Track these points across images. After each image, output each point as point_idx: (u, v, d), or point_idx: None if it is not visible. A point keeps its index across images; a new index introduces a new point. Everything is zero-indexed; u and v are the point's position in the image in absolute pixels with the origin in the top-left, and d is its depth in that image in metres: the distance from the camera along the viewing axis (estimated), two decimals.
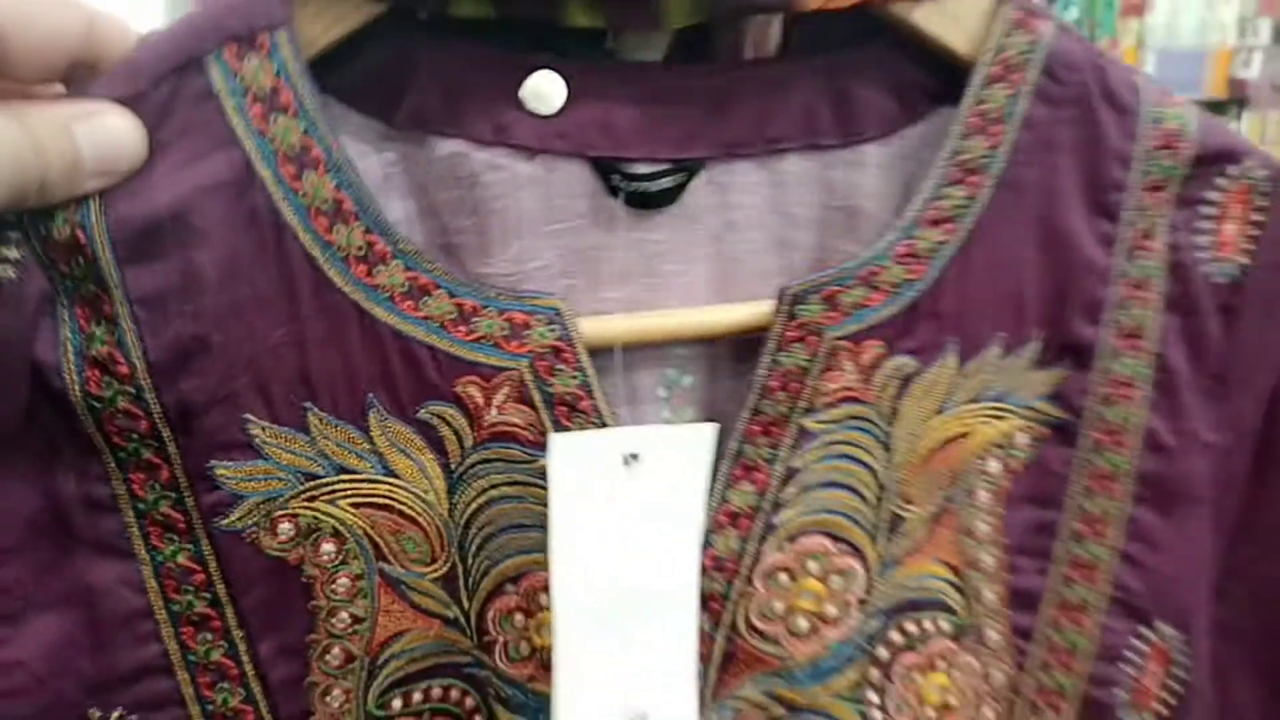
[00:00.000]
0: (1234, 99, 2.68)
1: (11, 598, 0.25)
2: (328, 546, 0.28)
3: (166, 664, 0.27)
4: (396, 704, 0.29)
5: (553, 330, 0.27)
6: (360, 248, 0.26)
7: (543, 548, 0.29)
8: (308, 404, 0.27)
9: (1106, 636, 0.34)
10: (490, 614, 0.29)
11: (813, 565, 0.30)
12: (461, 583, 0.29)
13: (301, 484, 0.27)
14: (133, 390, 0.25)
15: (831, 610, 0.30)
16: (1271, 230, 0.32)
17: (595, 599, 0.27)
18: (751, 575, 0.30)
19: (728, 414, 0.30)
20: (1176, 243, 0.32)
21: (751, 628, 0.30)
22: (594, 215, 0.30)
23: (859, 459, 0.30)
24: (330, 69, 0.27)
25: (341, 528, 0.28)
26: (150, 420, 0.25)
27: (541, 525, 0.28)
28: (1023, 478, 0.33)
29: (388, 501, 0.28)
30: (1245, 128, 2.61)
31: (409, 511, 0.28)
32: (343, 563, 0.28)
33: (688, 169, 0.30)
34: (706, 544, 0.29)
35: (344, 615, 0.28)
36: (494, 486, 0.28)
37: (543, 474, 0.28)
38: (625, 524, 0.28)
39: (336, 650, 0.29)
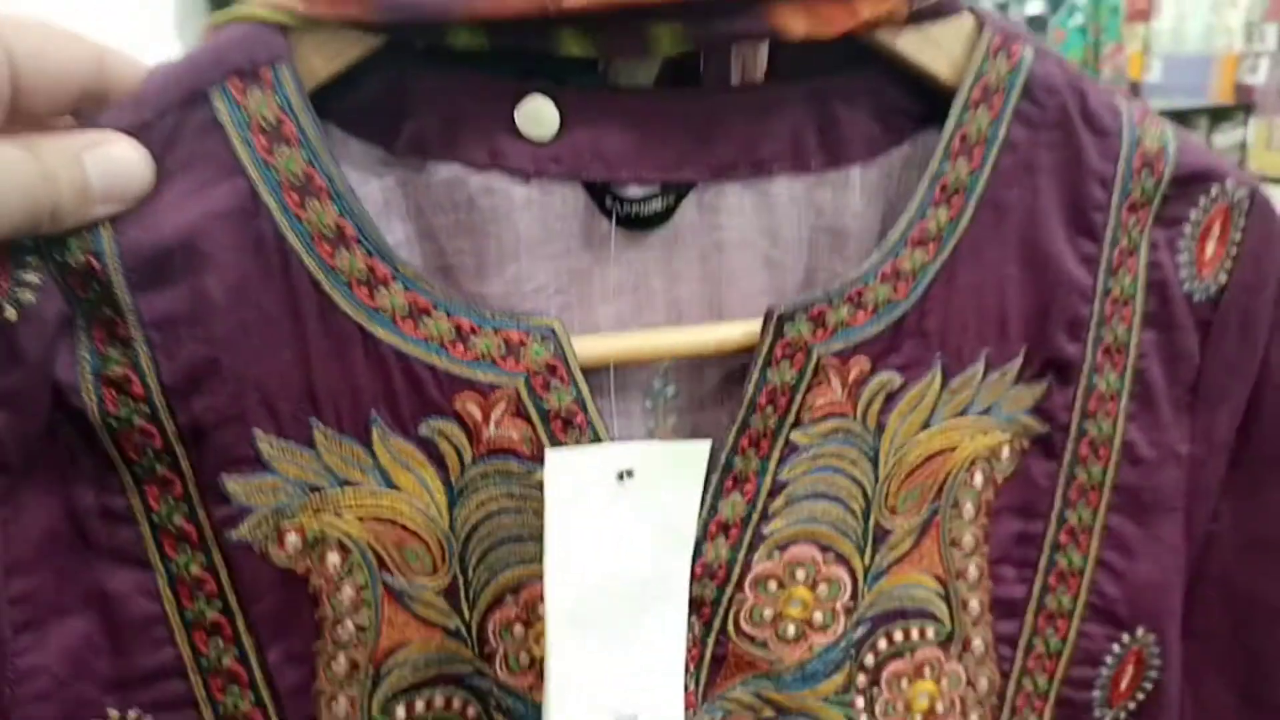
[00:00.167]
0: (1240, 105, 2.68)
1: (34, 605, 0.26)
2: (333, 558, 0.29)
3: (180, 668, 0.28)
4: (400, 713, 0.30)
5: (547, 348, 0.28)
6: (362, 271, 0.27)
7: (540, 559, 0.29)
8: (313, 420, 0.28)
9: (1084, 642, 0.35)
10: (491, 625, 0.30)
11: (801, 574, 0.31)
12: (462, 594, 0.30)
13: (307, 496, 0.28)
14: (147, 409, 0.26)
15: (819, 617, 0.31)
16: (1249, 249, 0.33)
17: (586, 607, 0.28)
18: (741, 582, 0.31)
19: (710, 422, 0.31)
20: (1157, 261, 0.33)
21: (741, 632, 0.31)
22: (587, 236, 0.31)
23: (845, 472, 0.31)
24: (331, 98, 0.28)
25: (346, 540, 0.29)
26: (164, 437, 0.26)
27: (539, 537, 0.29)
28: (1006, 490, 0.34)
29: (391, 514, 0.29)
30: (1252, 134, 2.61)
31: (411, 524, 0.29)
32: (347, 574, 0.29)
33: (678, 191, 0.31)
34: (697, 552, 0.30)
35: (349, 625, 0.29)
36: (493, 500, 0.29)
37: (540, 487, 0.29)
38: (618, 536, 0.29)
39: (342, 659, 0.29)
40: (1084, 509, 0.34)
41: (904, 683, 0.33)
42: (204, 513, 0.27)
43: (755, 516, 0.30)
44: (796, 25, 0.27)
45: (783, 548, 0.31)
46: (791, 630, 0.31)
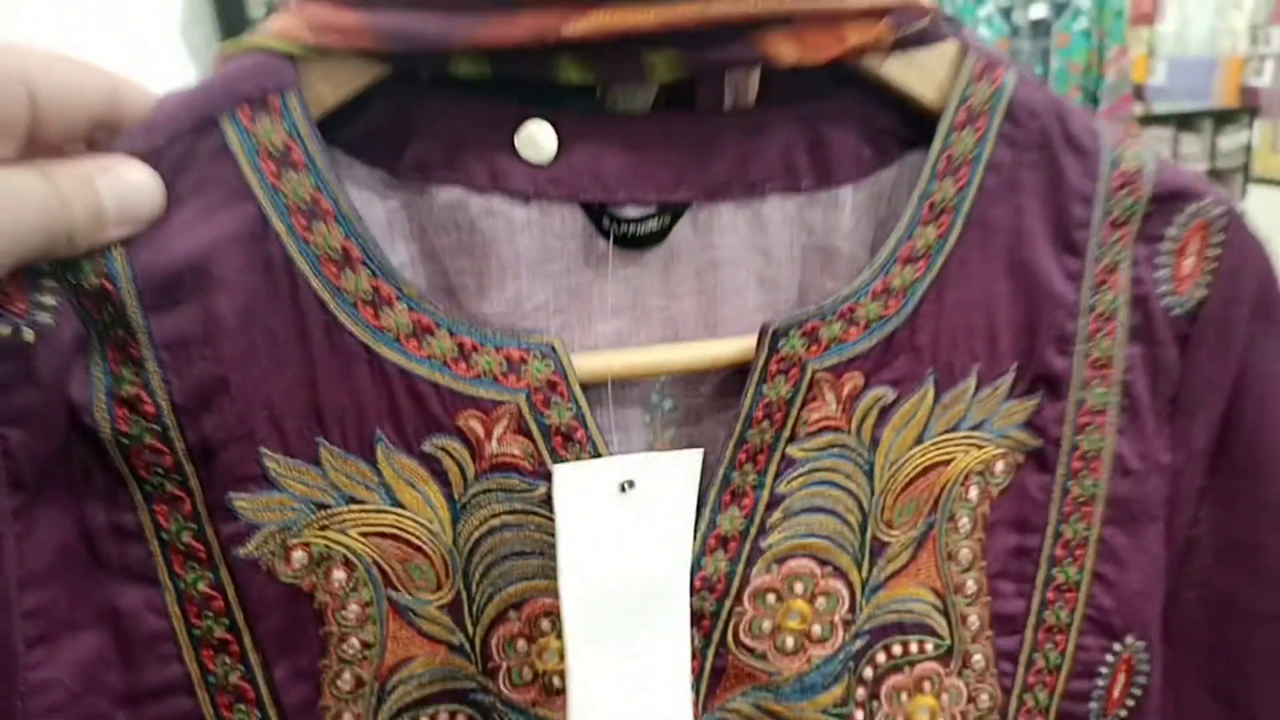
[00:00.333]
0: (1245, 107, 2.70)
1: (48, 620, 0.27)
2: (338, 574, 0.29)
3: (188, 684, 0.29)
4: None
5: (548, 365, 0.30)
6: (367, 292, 0.28)
7: (543, 574, 0.30)
8: (319, 438, 0.29)
9: (1082, 654, 0.36)
10: (494, 640, 0.31)
11: (799, 587, 0.32)
12: (466, 610, 0.31)
13: (314, 514, 0.29)
14: (158, 428, 0.27)
15: (817, 630, 0.32)
16: (1226, 264, 0.34)
17: (600, 618, 0.29)
18: (740, 595, 0.31)
19: (707, 436, 0.32)
20: (1139, 276, 0.34)
21: (740, 644, 0.32)
22: (586, 255, 0.32)
23: (842, 485, 0.32)
24: (337, 123, 0.29)
25: (351, 556, 0.29)
26: (174, 456, 0.28)
27: (541, 552, 0.30)
28: (1001, 503, 0.35)
29: (395, 531, 0.30)
30: (1257, 136, 2.63)
31: (415, 540, 0.30)
32: (353, 590, 0.30)
33: (673, 211, 0.32)
34: (697, 566, 0.31)
35: (354, 641, 0.30)
36: (495, 515, 0.30)
37: (542, 502, 0.30)
38: (624, 547, 0.30)
39: (347, 675, 0.30)
40: (1078, 522, 0.35)
41: (904, 697, 0.34)
42: (212, 530, 0.28)
43: (753, 530, 0.31)
44: (787, 52, 0.29)
45: (781, 561, 0.32)
46: (790, 643, 0.32)
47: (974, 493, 0.34)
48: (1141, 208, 0.34)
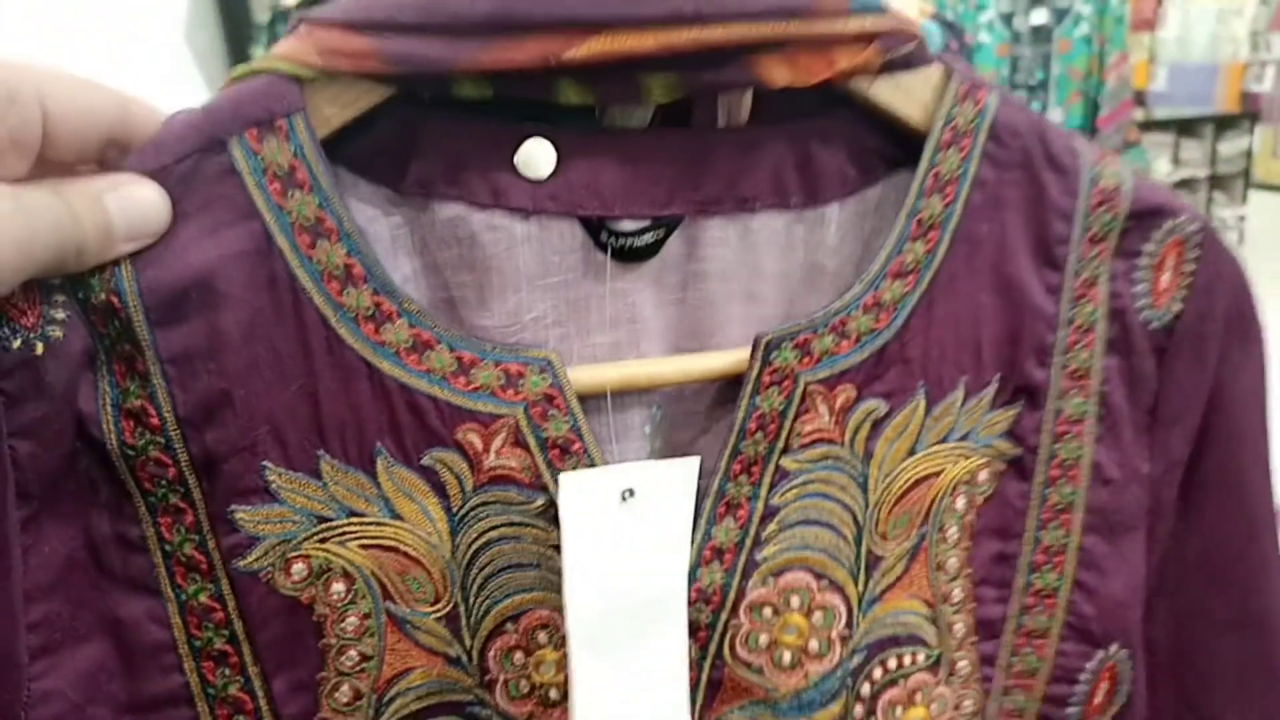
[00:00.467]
0: (1246, 113, 2.71)
1: (52, 630, 0.27)
2: (337, 586, 0.30)
3: (188, 695, 0.30)
4: None
5: (545, 379, 0.31)
6: (368, 308, 0.29)
7: (540, 586, 0.31)
8: (320, 451, 0.30)
9: (1061, 660, 0.37)
10: (491, 652, 0.32)
11: (796, 600, 0.33)
12: (463, 622, 0.31)
13: (314, 526, 0.30)
14: (162, 440, 0.28)
15: (815, 645, 0.33)
16: (1201, 280, 0.36)
17: (602, 626, 0.30)
18: (736, 608, 0.32)
19: (702, 448, 0.33)
20: (1116, 290, 0.36)
21: (737, 658, 0.32)
22: (584, 268, 0.33)
23: (836, 498, 0.33)
24: (343, 143, 0.31)
25: (350, 568, 0.30)
26: (177, 468, 0.28)
27: (539, 564, 0.31)
28: (984, 511, 0.36)
29: (394, 543, 0.31)
30: (1257, 142, 2.64)
31: (414, 553, 0.31)
32: (351, 602, 0.30)
33: (668, 225, 0.33)
34: (693, 578, 0.32)
35: (352, 653, 0.31)
36: (494, 528, 0.31)
37: (539, 514, 0.31)
38: (625, 554, 0.31)
39: (345, 688, 0.31)
40: (1057, 529, 0.36)
41: (898, 710, 0.35)
42: (214, 542, 0.29)
43: (749, 542, 0.32)
44: (779, 75, 0.30)
45: (777, 574, 0.33)
46: (787, 658, 0.33)
47: (961, 502, 0.36)
48: (1119, 224, 0.35)
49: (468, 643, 0.31)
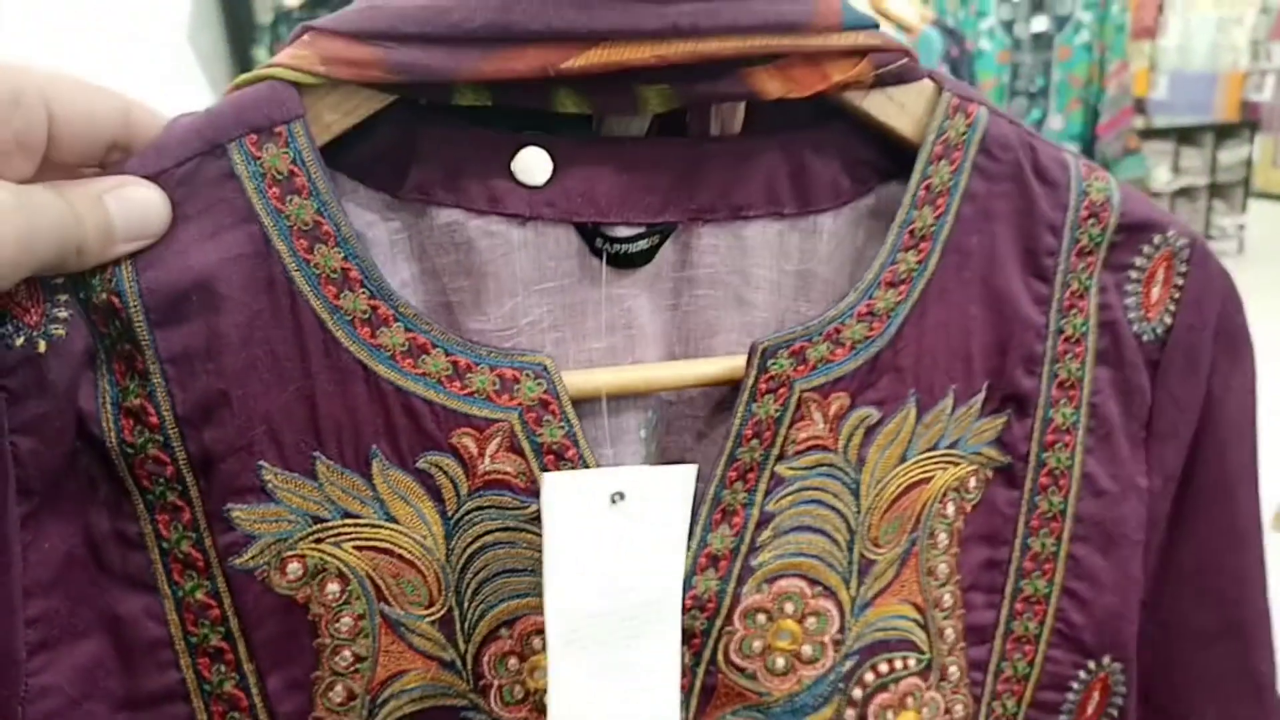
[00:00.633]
0: (1246, 122, 2.72)
1: (50, 626, 0.28)
2: (332, 587, 0.31)
3: (184, 691, 0.30)
4: None
5: (540, 385, 0.31)
6: (365, 312, 0.30)
7: (535, 592, 0.32)
8: (316, 453, 0.30)
9: (1051, 666, 0.38)
10: (485, 657, 0.32)
11: (789, 606, 0.33)
12: (458, 626, 0.32)
13: (309, 527, 0.31)
14: (161, 439, 0.29)
15: (808, 650, 0.34)
16: (1190, 293, 0.37)
17: (585, 630, 0.31)
18: (731, 614, 0.33)
19: (696, 455, 0.33)
20: (1106, 302, 0.37)
21: (731, 663, 0.33)
22: (579, 274, 0.34)
23: (830, 504, 0.34)
24: (343, 149, 0.31)
25: (345, 569, 0.31)
26: (175, 466, 0.29)
27: (533, 570, 0.32)
28: (973, 518, 0.37)
29: (388, 546, 0.31)
30: (1257, 151, 2.66)
31: (408, 556, 0.31)
32: (346, 603, 0.31)
33: (662, 232, 0.34)
34: (688, 584, 0.32)
35: (346, 654, 0.31)
36: (488, 532, 0.32)
37: (534, 519, 0.31)
38: (613, 558, 0.31)
39: (339, 688, 0.31)
40: (1046, 537, 0.37)
41: (889, 715, 0.35)
42: (210, 540, 0.30)
43: (744, 549, 0.33)
44: (773, 87, 0.31)
45: (771, 580, 0.33)
46: (780, 663, 0.33)
47: (951, 509, 0.36)
48: (1108, 237, 0.36)
49: (462, 647, 0.32)
